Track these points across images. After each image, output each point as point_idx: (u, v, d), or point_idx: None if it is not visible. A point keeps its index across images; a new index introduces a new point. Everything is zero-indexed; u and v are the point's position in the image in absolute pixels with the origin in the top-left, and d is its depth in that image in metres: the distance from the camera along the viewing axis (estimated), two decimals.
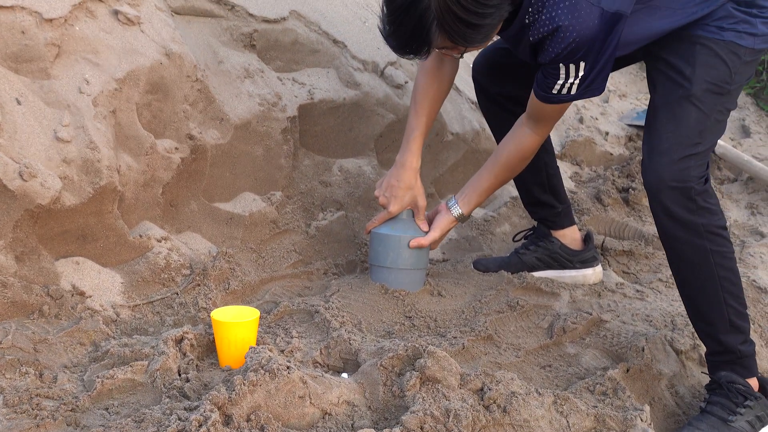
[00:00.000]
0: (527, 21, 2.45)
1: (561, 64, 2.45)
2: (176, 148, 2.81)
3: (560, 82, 2.51)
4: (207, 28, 3.13)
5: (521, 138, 2.81)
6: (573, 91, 2.51)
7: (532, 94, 2.68)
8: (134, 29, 2.76)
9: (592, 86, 2.50)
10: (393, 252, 2.89)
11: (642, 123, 5.00)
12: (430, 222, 2.97)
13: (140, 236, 2.69)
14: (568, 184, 4.17)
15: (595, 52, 2.41)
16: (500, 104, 3.11)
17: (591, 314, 2.85)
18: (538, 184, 3.18)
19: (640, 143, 4.90)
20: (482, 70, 3.13)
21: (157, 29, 2.82)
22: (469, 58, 4.08)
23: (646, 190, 2.42)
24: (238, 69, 3.13)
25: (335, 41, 3.50)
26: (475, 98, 4.01)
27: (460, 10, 2.21)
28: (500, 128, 3.14)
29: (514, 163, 2.86)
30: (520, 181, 3.22)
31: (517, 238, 3.40)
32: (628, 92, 5.54)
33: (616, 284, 3.26)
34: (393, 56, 3.65)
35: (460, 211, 2.93)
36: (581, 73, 2.46)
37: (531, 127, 2.78)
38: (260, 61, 3.27)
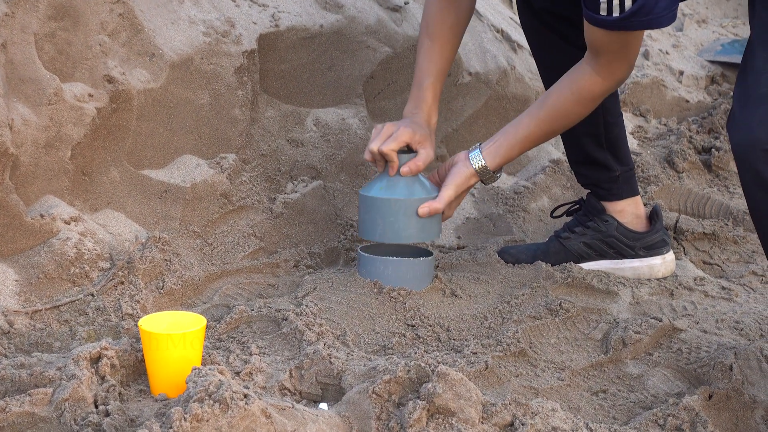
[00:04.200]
0: None
1: None
2: (90, 95, 2.80)
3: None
4: None
5: (578, 75, 2.81)
6: (620, 12, 2.52)
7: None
8: None
9: (653, 10, 2.49)
10: (388, 220, 2.88)
11: (728, 59, 4.99)
12: (441, 178, 2.97)
13: (41, 216, 2.68)
14: (628, 141, 4.16)
15: None
16: (548, 24, 3.10)
17: (661, 321, 2.84)
18: (592, 136, 3.17)
19: (725, 86, 4.90)
20: None
21: None
22: None
23: (734, 151, 2.40)
24: None
25: None
26: (501, 25, 3.98)
27: None
28: (548, 57, 3.13)
29: (566, 107, 2.85)
30: (569, 131, 3.22)
31: (557, 213, 3.40)
32: (709, 17, 5.53)
33: (695, 279, 3.26)
34: None
35: (483, 162, 2.91)
36: None
37: (591, 62, 2.78)
38: None
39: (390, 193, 2.91)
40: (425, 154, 2.92)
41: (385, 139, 2.90)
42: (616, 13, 2.54)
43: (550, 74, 3.15)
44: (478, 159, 2.92)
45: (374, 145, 2.91)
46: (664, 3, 2.51)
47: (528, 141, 2.92)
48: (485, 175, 2.94)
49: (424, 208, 2.88)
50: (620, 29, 2.61)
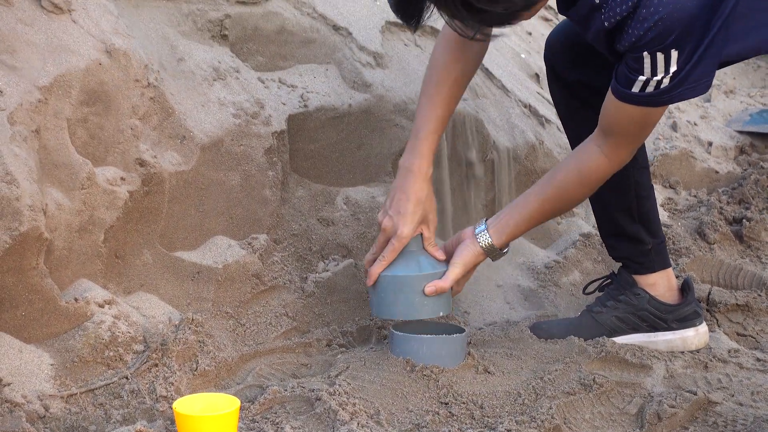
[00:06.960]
0: (597, 1, 2.47)
1: (645, 53, 2.46)
2: (122, 179, 2.82)
3: (643, 78, 2.52)
4: (161, 15, 3.15)
5: (584, 155, 2.83)
6: (661, 88, 2.52)
7: (609, 92, 2.68)
8: (64, 19, 2.78)
9: (688, 84, 2.51)
10: (405, 298, 2.90)
11: (757, 128, 4.99)
12: (448, 255, 2.99)
13: (75, 300, 2.69)
14: (659, 214, 4.16)
15: (694, 37, 2.41)
16: (581, 97, 3.12)
17: (695, 394, 2.83)
18: (625, 210, 3.18)
19: (754, 156, 4.90)
20: (557, 47, 3.14)
21: (94, 18, 2.85)
22: (538, 28, 4.09)
23: None
24: (205, 69, 3.15)
25: (336, 27, 3.51)
26: (528, 100, 4.01)
27: None
28: (579, 130, 3.15)
29: (570, 187, 2.87)
30: (600, 205, 3.22)
31: (589, 289, 3.40)
32: (737, 87, 5.54)
33: (729, 351, 3.24)
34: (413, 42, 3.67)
35: (489, 240, 2.93)
36: (673, 67, 2.47)
37: (600, 142, 2.79)
38: (234, 57, 3.28)
39: (397, 269, 2.92)
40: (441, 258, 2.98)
41: (380, 249, 2.96)
42: (650, 90, 2.56)
43: (577, 142, 3.17)
44: (485, 237, 2.93)
45: (367, 260, 3.00)
46: (697, 72, 2.51)
47: (533, 220, 2.95)
48: (492, 253, 2.95)
49: (430, 287, 2.89)
50: (649, 105, 2.62)
